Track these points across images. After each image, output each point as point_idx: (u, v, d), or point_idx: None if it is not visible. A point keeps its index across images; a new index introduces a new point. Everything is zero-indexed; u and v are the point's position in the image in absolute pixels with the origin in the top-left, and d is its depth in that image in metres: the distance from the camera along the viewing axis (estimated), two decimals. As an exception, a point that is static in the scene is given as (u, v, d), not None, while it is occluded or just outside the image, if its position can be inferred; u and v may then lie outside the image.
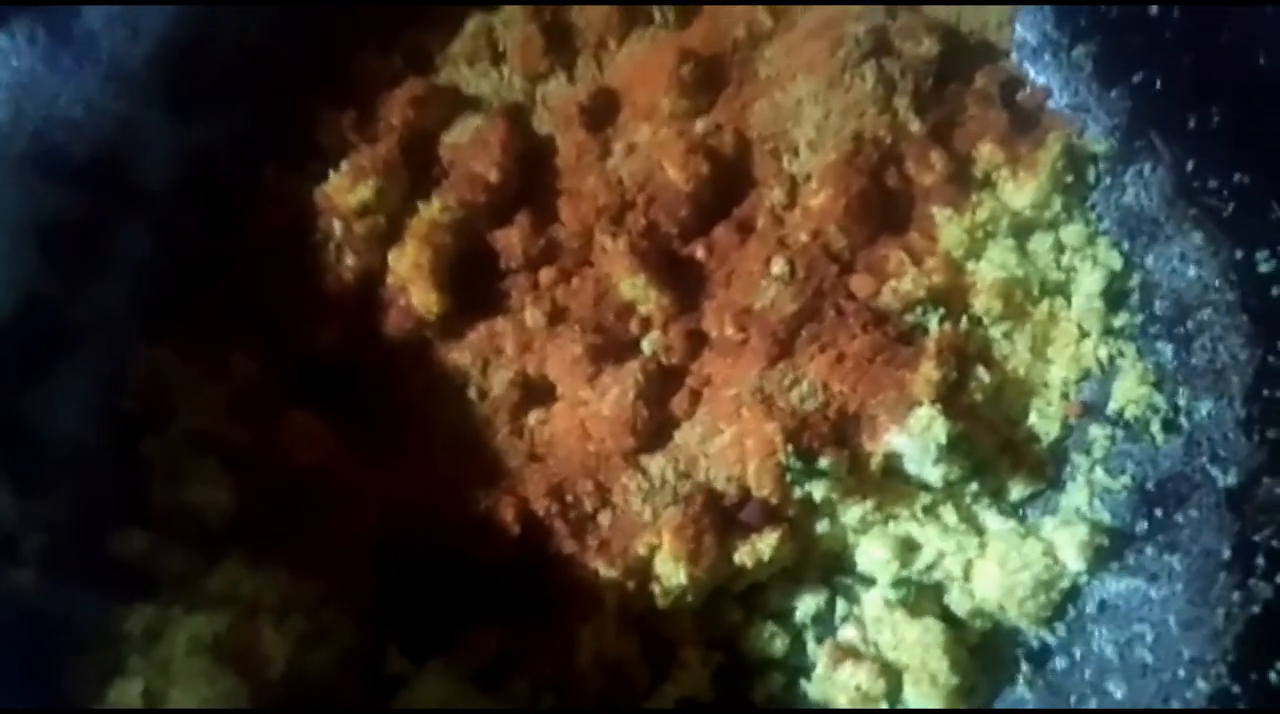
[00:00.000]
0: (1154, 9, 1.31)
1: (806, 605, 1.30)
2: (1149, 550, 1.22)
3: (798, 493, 1.23)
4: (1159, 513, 1.24)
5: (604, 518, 1.22)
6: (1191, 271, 1.30)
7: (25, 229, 1.21)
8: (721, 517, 1.23)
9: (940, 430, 1.23)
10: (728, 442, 1.25)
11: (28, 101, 1.25)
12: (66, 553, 1.07)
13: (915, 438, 1.24)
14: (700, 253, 1.37)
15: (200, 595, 1.12)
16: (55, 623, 1.01)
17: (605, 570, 1.19)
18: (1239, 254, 1.25)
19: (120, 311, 1.30)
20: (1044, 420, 1.34)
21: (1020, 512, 1.32)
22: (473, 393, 1.30)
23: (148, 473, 1.21)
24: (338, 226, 1.32)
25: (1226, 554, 1.15)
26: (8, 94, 1.22)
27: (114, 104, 1.34)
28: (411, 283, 1.29)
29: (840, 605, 1.31)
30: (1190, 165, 1.30)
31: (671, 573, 1.20)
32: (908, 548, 1.28)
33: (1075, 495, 1.30)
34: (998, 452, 1.33)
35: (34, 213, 1.22)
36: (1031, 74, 1.47)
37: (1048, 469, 1.33)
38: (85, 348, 1.25)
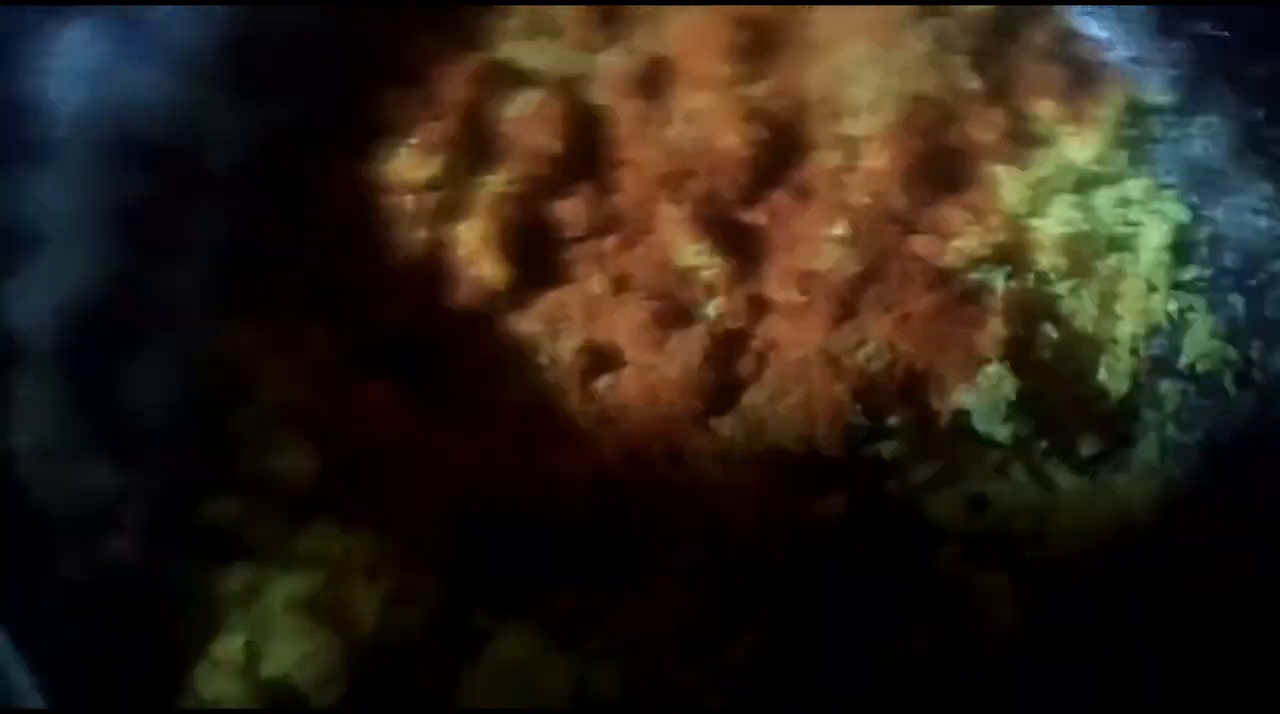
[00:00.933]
0: (1216, -44, 1.30)
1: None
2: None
3: (866, 452, 1.24)
4: (1228, 473, 1.24)
5: (678, 477, 1.24)
6: (1261, 222, 1.29)
7: (108, 212, 1.25)
8: (792, 477, 1.24)
9: (1009, 386, 1.23)
10: (795, 402, 1.26)
11: (106, 89, 1.28)
12: (164, 521, 1.11)
13: (984, 395, 1.24)
14: (761, 218, 1.38)
15: (292, 557, 1.15)
16: (158, 585, 1.05)
17: (680, 529, 1.21)
18: (1311, 203, 1.24)
19: (200, 291, 1.33)
20: (1113, 377, 1.34)
21: (1091, 469, 1.32)
22: (542, 361, 1.32)
23: (234, 444, 1.25)
24: (406, 202, 1.34)
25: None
26: (88, 82, 1.26)
27: (184, 91, 1.38)
28: (479, 255, 1.31)
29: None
30: (1258, 114, 1.29)
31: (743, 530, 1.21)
32: (977, 506, 1.28)
33: (1146, 451, 1.30)
34: (1066, 409, 1.32)
35: (115, 197, 1.26)
36: (1089, 28, 1.46)
37: (1118, 425, 1.33)
38: (169, 326, 1.28)
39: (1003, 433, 1.26)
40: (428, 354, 1.32)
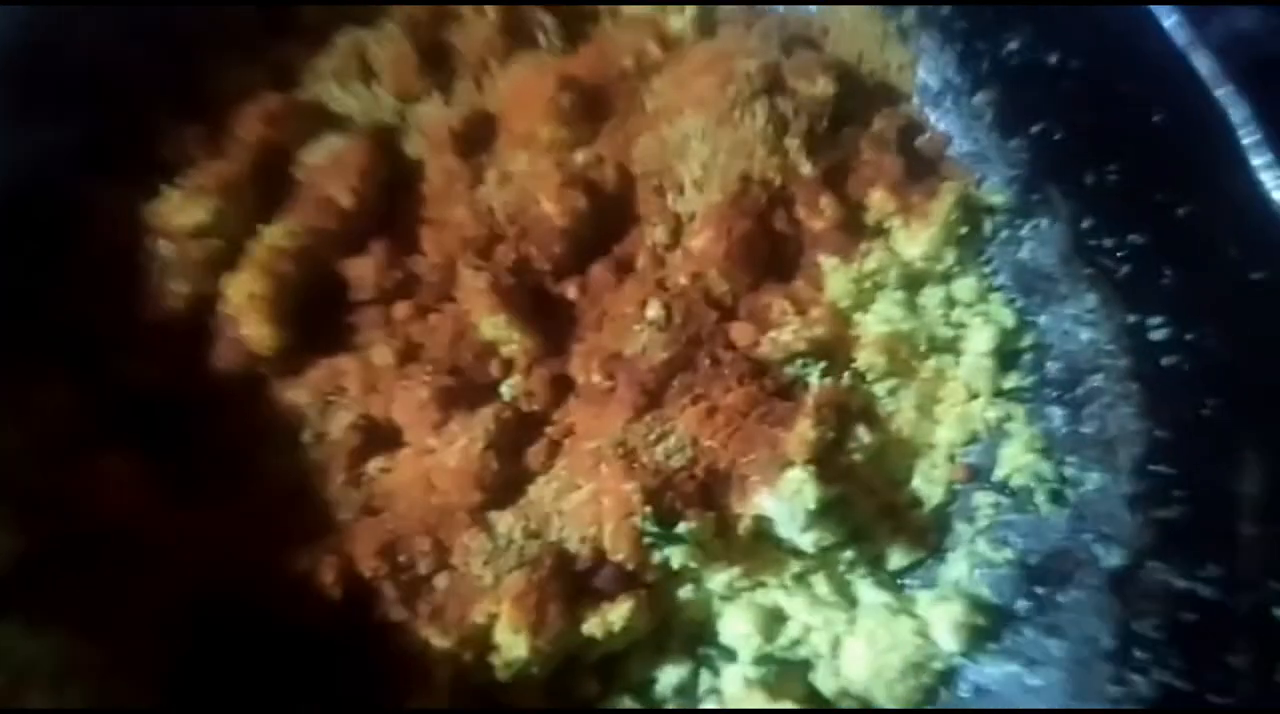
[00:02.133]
0: (1053, 59, 1.26)
1: (668, 677, 1.20)
2: (1028, 632, 1.14)
3: (656, 558, 1.14)
4: (1041, 591, 1.17)
5: (440, 581, 1.11)
6: (1085, 334, 1.24)
7: None
8: (571, 582, 1.12)
9: (810, 494, 1.14)
10: (584, 499, 1.15)
11: None
12: None
13: (785, 501, 1.15)
14: (572, 292, 1.28)
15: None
16: None
17: (438, 640, 1.08)
18: (1131, 318, 1.19)
19: (-79, 332, 1.17)
20: (928, 484, 1.26)
21: (898, 582, 1.24)
22: (308, 436, 1.19)
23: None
24: (168, 249, 1.20)
25: (1108, 642, 1.07)
26: None
27: (-62, 107, 1.23)
28: (245, 314, 1.18)
29: (705, 678, 1.21)
30: (1086, 222, 1.24)
31: (512, 644, 1.09)
32: (774, 620, 1.19)
33: (955, 567, 1.22)
34: (877, 516, 1.24)
35: None
36: (932, 120, 1.41)
37: (929, 536, 1.25)
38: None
39: (806, 541, 1.17)
40: (180, 421, 1.18)
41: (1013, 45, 1.31)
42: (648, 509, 1.12)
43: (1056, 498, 1.20)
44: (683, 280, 1.27)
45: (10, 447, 1.12)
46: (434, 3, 1.38)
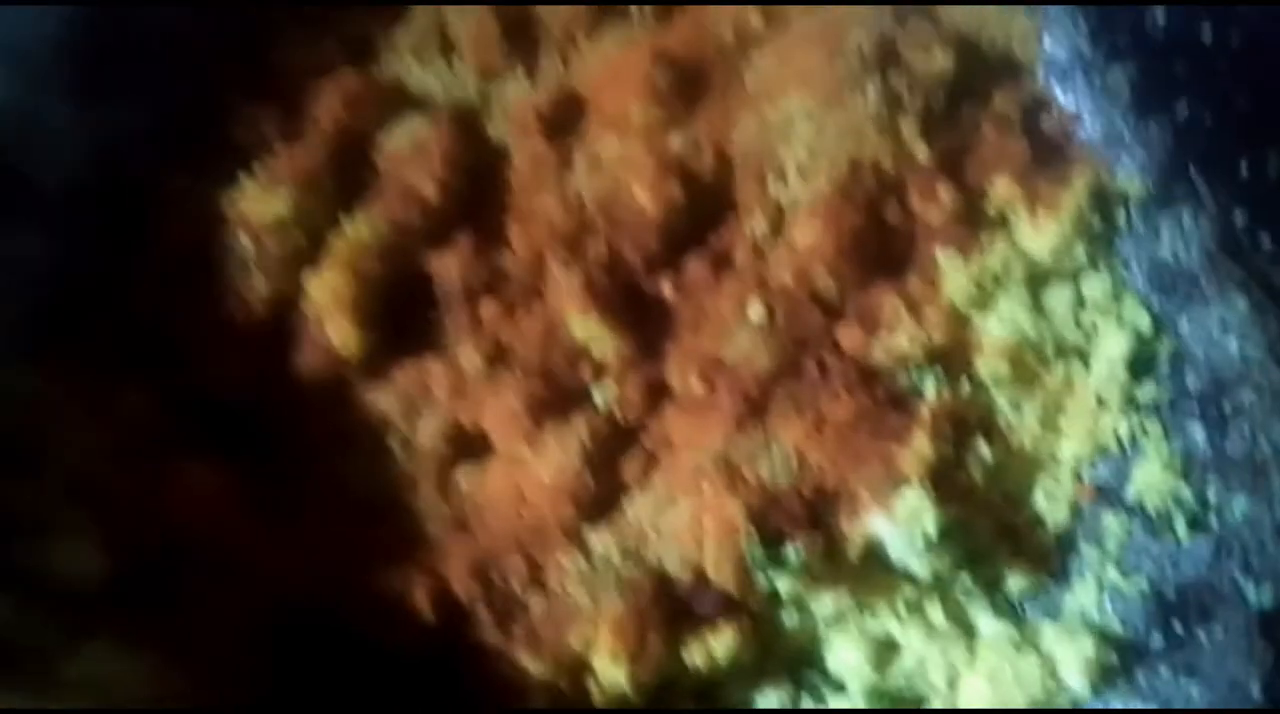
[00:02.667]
0: (1207, 32, 1.13)
1: (768, 702, 1.14)
2: (1164, 672, 1.06)
3: (761, 581, 1.07)
4: (1178, 626, 1.08)
5: (535, 603, 1.06)
6: (1233, 344, 1.12)
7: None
8: (671, 607, 1.06)
9: (930, 520, 1.06)
10: (684, 518, 1.08)
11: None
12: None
13: (900, 525, 1.07)
14: (667, 290, 1.20)
15: (57, 681, 0.95)
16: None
17: (533, 665, 1.03)
18: (1290, 329, 1.08)
19: (3, 327, 1.13)
20: (1051, 503, 1.17)
21: (1018, 609, 1.16)
22: (394, 444, 1.13)
23: (12, 524, 1.05)
24: (247, 243, 1.14)
25: (1255, 691, 0.98)
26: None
27: (7, 88, 1.17)
28: (329, 315, 1.12)
29: (806, 702, 1.15)
30: (1239, 218, 1.12)
31: (610, 672, 1.03)
32: (886, 649, 1.11)
33: (1082, 594, 1.14)
34: (995, 537, 1.16)
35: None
36: (1059, 96, 1.29)
37: (1052, 560, 1.16)
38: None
39: (920, 566, 1.10)
40: (261, 427, 1.13)
41: (1158, 15, 1.18)
42: (753, 531, 1.05)
43: (1197, 524, 1.11)
44: (786, 277, 1.18)
45: (91, 451, 1.08)
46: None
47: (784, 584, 1.07)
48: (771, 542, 1.06)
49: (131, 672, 0.96)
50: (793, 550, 1.06)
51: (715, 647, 1.06)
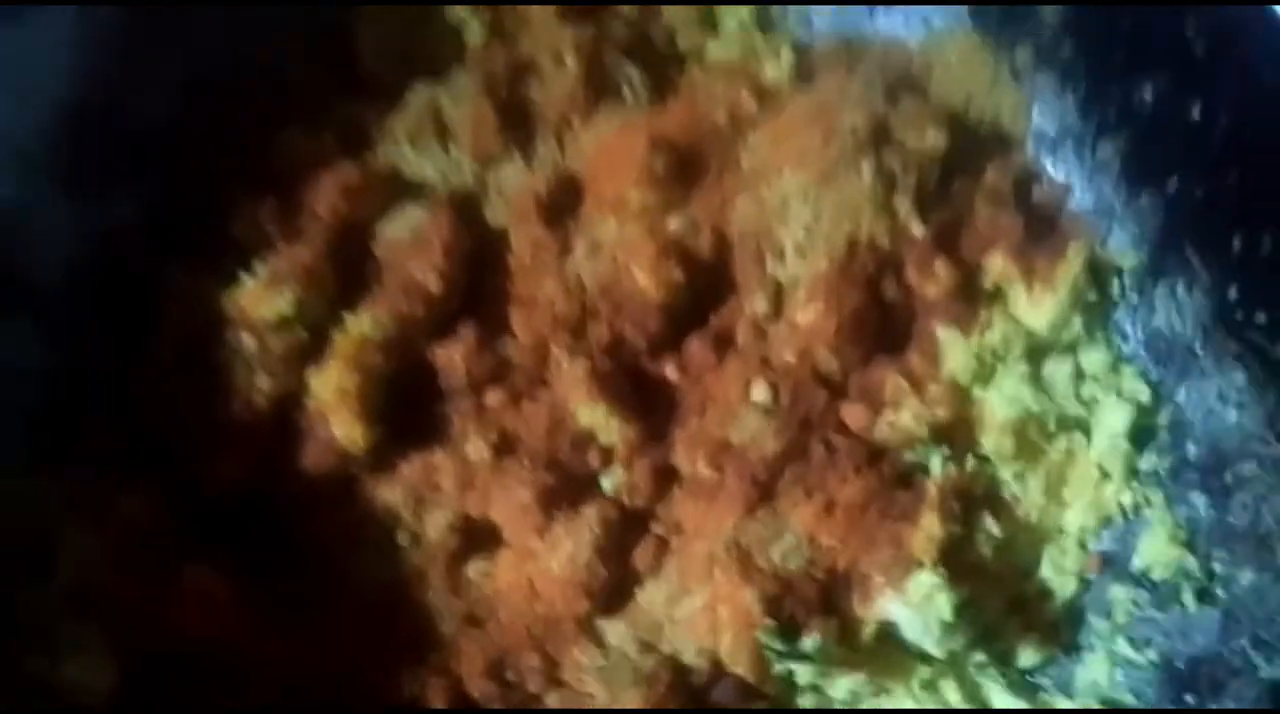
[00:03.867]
0: (1195, 111, 1.15)
1: (785, 783, 1.14)
2: (1180, 747, 1.06)
3: (778, 669, 1.07)
4: (1191, 700, 1.09)
5: (552, 700, 1.05)
6: (1231, 415, 1.14)
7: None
8: (689, 697, 1.06)
9: (944, 601, 1.06)
10: (698, 607, 1.08)
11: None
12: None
13: (916, 608, 1.07)
14: (671, 372, 1.20)
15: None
16: None
17: (550, 765, 1.02)
18: (1288, 403, 1.10)
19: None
20: (1059, 575, 1.18)
21: (1030, 682, 1.16)
22: (404, 539, 1.12)
23: (19, 637, 1.03)
24: (249, 342, 1.13)
25: (1271, 766, 0.99)
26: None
27: (5, 185, 1.16)
28: (334, 411, 1.11)
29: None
30: (1233, 292, 1.14)
31: (628, 767, 1.03)
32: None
33: (1093, 667, 1.14)
34: (1006, 612, 1.16)
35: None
36: (1049, 169, 1.31)
37: (1062, 632, 1.17)
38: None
39: (935, 646, 1.10)
40: (267, 527, 1.12)
41: (1146, 92, 1.20)
42: (769, 621, 1.05)
43: (1204, 596, 1.12)
44: (789, 357, 1.19)
45: (94, 558, 1.07)
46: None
47: (804, 675, 1.07)
48: (787, 630, 1.06)
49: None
50: (809, 639, 1.06)
51: (734, 737, 1.05)
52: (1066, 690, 1.14)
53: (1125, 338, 1.23)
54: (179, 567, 1.06)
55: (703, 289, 1.23)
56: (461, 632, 1.08)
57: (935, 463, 1.16)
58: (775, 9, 1.41)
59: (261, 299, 1.13)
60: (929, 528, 1.10)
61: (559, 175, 1.27)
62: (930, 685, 1.12)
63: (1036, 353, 1.22)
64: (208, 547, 1.09)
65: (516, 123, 1.29)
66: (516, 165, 1.29)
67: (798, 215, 1.23)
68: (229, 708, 1.01)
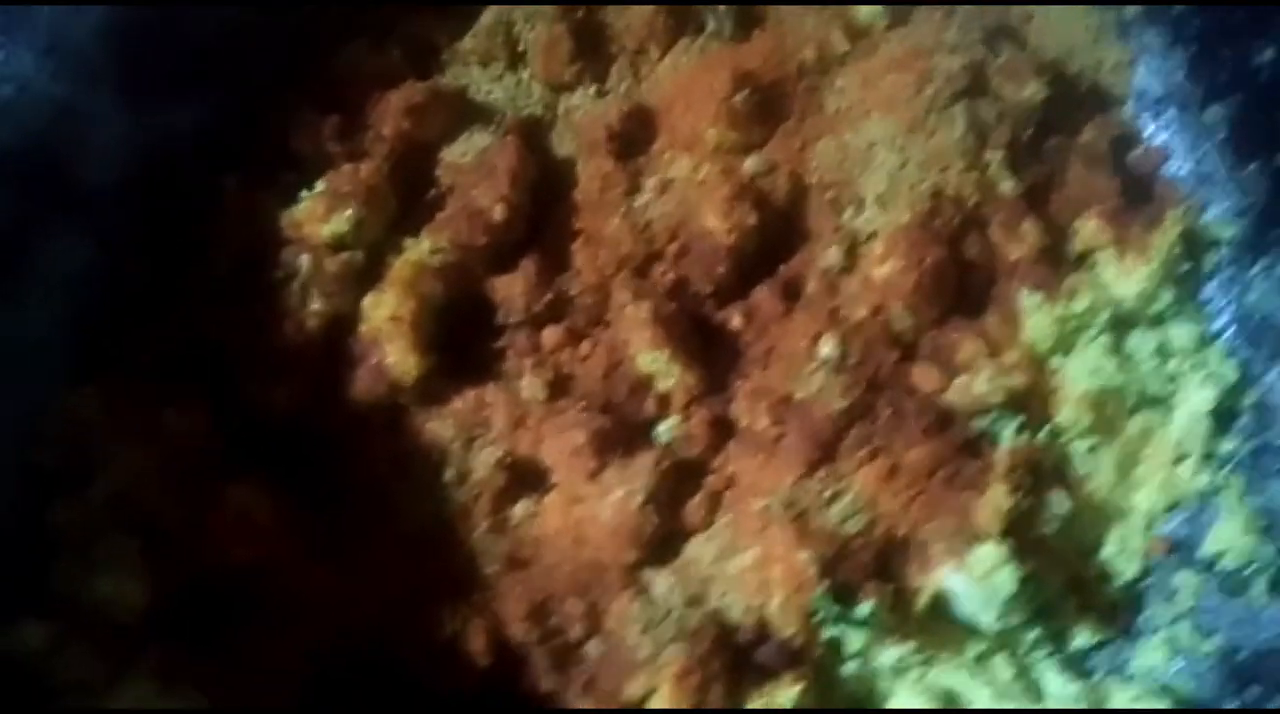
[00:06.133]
0: (1323, 78, 1.07)
1: (823, 746, 1.11)
2: (1240, 742, 1.03)
3: (826, 634, 1.04)
4: (1254, 693, 1.05)
5: (593, 648, 1.02)
6: (1323, 403, 1.08)
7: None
8: (734, 657, 1.03)
9: (1008, 578, 1.02)
10: (749, 564, 1.05)
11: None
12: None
13: (976, 581, 1.03)
14: (736, 321, 1.15)
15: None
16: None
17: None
18: (1387, 393, 1.04)
19: (42, 340, 1.09)
20: (1122, 556, 1.14)
21: (1085, 664, 1.12)
22: (450, 475, 1.09)
23: (55, 547, 1.02)
24: (305, 262, 1.09)
25: (1339, 770, 0.95)
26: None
27: (52, 85, 1.12)
28: (388, 338, 1.07)
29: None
30: (1339, 272, 1.08)
31: (668, 722, 1.01)
32: (950, 703, 1.08)
33: (1150, 653, 1.10)
34: (1065, 591, 1.12)
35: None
36: (1148, 131, 1.24)
37: (1121, 615, 1.13)
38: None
39: (990, 621, 1.06)
40: (313, 453, 1.09)
41: (1266, 54, 1.12)
42: (824, 584, 1.02)
43: (1276, 587, 1.07)
44: (861, 312, 1.14)
45: (136, 472, 1.05)
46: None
47: (855, 642, 1.03)
48: (841, 594, 1.03)
49: (172, 709, 0.93)
50: (863, 605, 1.02)
51: (781, 702, 1.02)
52: (1121, 675, 1.10)
53: (1216, 314, 1.17)
54: (223, 488, 1.04)
55: (774, 236, 1.18)
56: (504, 572, 1.05)
57: (1006, 432, 1.11)
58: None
59: (319, 217, 1.10)
60: (996, 499, 1.06)
61: (633, 107, 1.21)
62: (981, 660, 1.08)
63: (1122, 324, 1.16)
64: (253, 470, 1.07)
65: (591, 49, 1.24)
66: (589, 94, 1.24)
67: (882, 163, 1.17)
68: (264, 636, 1.00)
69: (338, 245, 1.10)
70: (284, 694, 0.97)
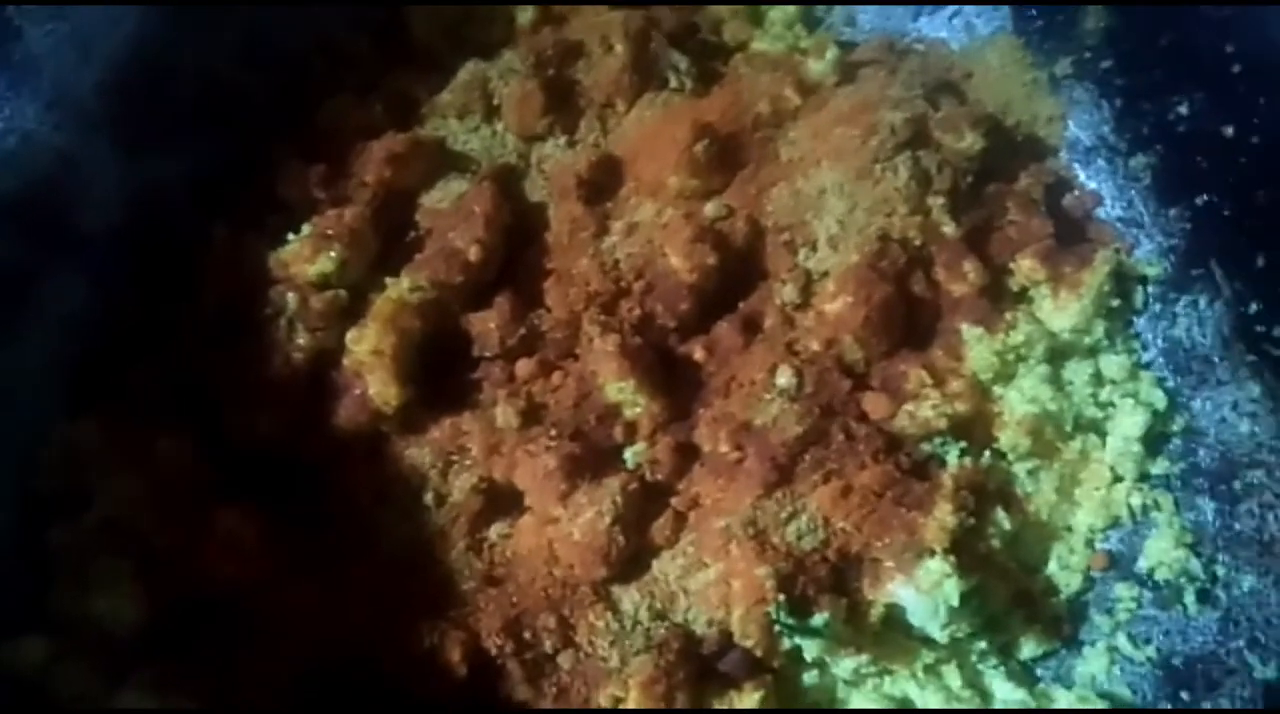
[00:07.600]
0: (1229, 130, 1.17)
1: (785, 753, 1.17)
2: (1173, 743, 1.09)
3: (785, 644, 1.10)
4: (1185, 696, 1.11)
5: (565, 660, 1.08)
6: (1244, 426, 1.16)
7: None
8: (698, 666, 1.09)
9: (953, 590, 1.09)
10: (712, 580, 1.11)
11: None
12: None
13: (923, 594, 1.10)
14: (698, 353, 1.23)
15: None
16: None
17: (561, 722, 1.06)
18: (1302, 416, 1.12)
19: (42, 374, 1.15)
20: (1065, 571, 1.21)
21: (1031, 673, 1.19)
22: (429, 498, 1.15)
23: (54, 568, 1.07)
24: (292, 299, 1.17)
25: (1263, 766, 1.02)
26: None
27: (54, 135, 1.19)
28: (370, 370, 1.14)
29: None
30: (1254, 306, 1.17)
31: (636, 730, 1.06)
32: (903, 710, 1.14)
33: (1093, 661, 1.17)
34: (1010, 604, 1.19)
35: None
36: (1081, 178, 1.34)
37: (1064, 626, 1.19)
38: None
39: (939, 632, 1.13)
40: (298, 480, 1.15)
41: (1182, 109, 1.23)
42: (781, 597, 1.08)
43: (1205, 598, 1.14)
44: (815, 345, 1.22)
45: (130, 498, 1.10)
46: None
47: (812, 651, 1.10)
48: (798, 606, 1.09)
49: (170, 719, 0.98)
50: (818, 616, 1.09)
51: (743, 709, 1.08)
52: (1065, 682, 1.17)
53: (1145, 345, 1.26)
54: (212, 511, 1.10)
55: (734, 275, 1.26)
56: (481, 590, 1.11)
57: (952, 455, 1.18)
58: (821, 6, 1.44)
59: (305, 258, 1.17)
60: (942, 517, 1.12)
61: (600, 156, 1.30)
62: (932, 670, 1.15)
63: (1058, 355, 1.25)
64: (241, 496, 1.13)
65: (562, 103, 1.33)
66: (559, 144, 1.33)
67: (832, 208, 1.26)
68: (253, 650, 1.05)
69: (323, 284, 1.17)
70: (272, 704, 1.02)
